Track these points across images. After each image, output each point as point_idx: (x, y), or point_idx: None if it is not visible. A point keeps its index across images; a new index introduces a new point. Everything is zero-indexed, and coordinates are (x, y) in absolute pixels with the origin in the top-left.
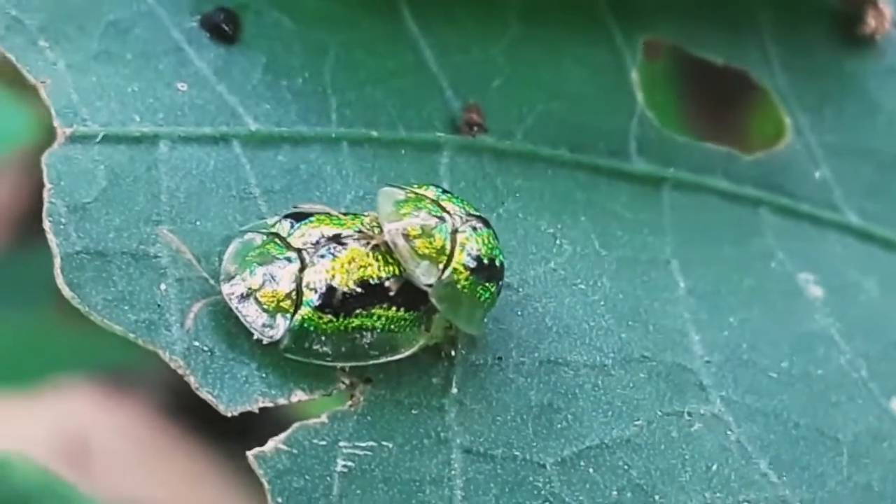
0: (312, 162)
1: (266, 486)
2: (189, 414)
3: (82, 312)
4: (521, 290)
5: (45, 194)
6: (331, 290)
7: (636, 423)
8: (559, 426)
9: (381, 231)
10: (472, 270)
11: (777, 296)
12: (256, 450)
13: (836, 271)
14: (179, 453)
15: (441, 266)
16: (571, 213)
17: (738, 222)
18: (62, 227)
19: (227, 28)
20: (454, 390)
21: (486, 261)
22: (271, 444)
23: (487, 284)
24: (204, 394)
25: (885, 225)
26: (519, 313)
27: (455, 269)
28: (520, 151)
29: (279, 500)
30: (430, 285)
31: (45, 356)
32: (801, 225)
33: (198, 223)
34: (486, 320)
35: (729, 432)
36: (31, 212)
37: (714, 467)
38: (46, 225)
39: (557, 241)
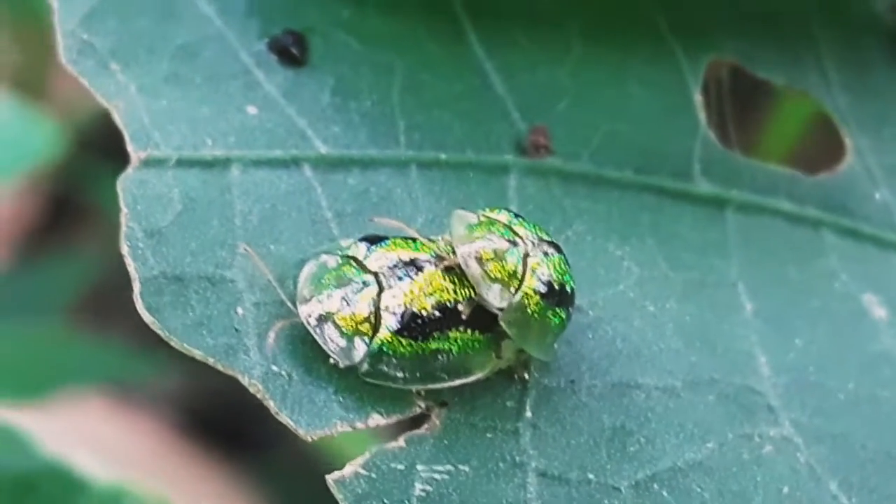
0: (382, 185)
1: None
2: (199, 427)
3: (162, 337)
4: (591, 312)
5: (122, 219)
6: (409, 313)
7: (708, 445)
8: (632, 449)
9: (454, 254)
10: (543, 295)
11: (842, 317)
12: (336, 474)
13: None
14: (189, 466)
15: (512, 290)
16: (638, 235)
17: (802, 244)
18: (140, 251)
19: (294, 51)
20: (528, 414)
21: (556, 286)
22: (350, 468)
23: (557, 310)
24: (283, 418)
25: None
26: (590, 336)
27: (525, 294)
28: (586, 174)
29: None
30: (501, 309)
31: (53, 369)
32: (864, 246)
33: (272, 247)
34: (556, 346)
35: (798, 454)
36: (38, 226)
37: (785, 490)
38: (124, 249)
39: (625, 264)
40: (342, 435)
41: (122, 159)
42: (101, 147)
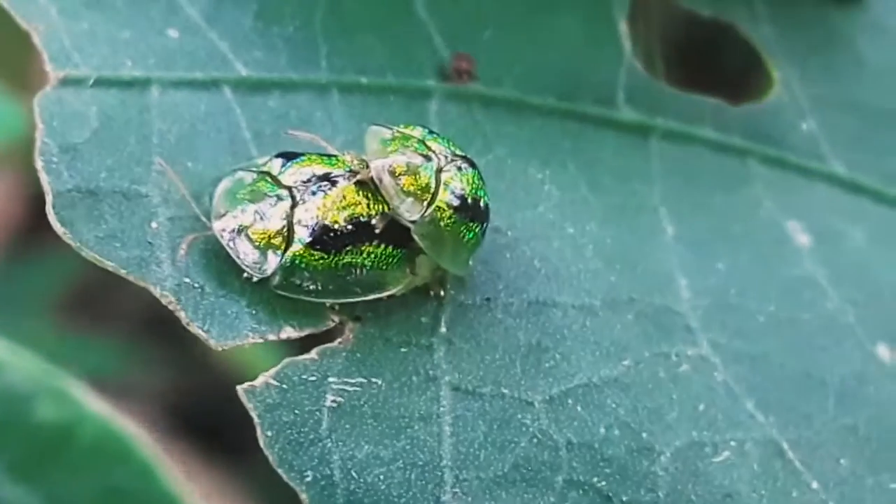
0: (302, 108)
1: (256, 419)
2: (181, 428)
3: (74, 248)
4: (509, 233)
5: (37, 134)
6: (322, 227)
7: (624, 363)
8: (547, 365)
9: (368, 168)
10: (456, 209)
11: (765, 243)
12: (247, 384)
13: (824, 220)
14: (176, 466)
15: (425, 203)
16: (560, 160)
17: (727, 172)
18: (54, 165)
19: None
20: (443, 329)
21: (469, 200)
22: (261, 378)
23: (471, 224)
24: (194, 329)
25: (871, 176)
26: (507, 256)
27: (438, 207)
28: (508, 99)
29: (269, 433)
30: (413, 222)
31: None
32: (789, 175)
33: (189, 164)
34: (471, 262)
35: (716, 374)
36: (27, 223)
37: (701, 407)
38: (38, 164)
39: (546, 187)
40: None
41: None
42: None
